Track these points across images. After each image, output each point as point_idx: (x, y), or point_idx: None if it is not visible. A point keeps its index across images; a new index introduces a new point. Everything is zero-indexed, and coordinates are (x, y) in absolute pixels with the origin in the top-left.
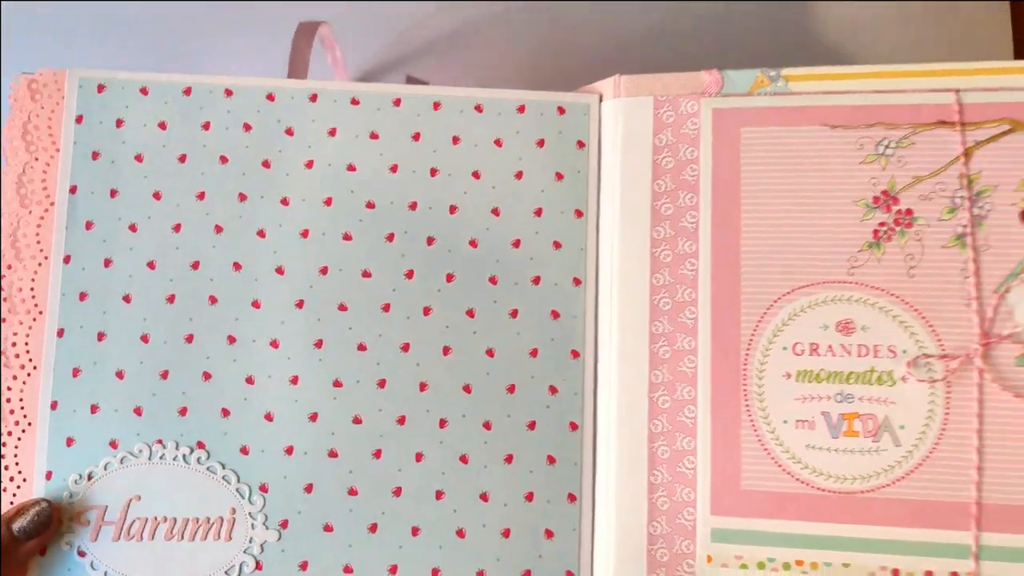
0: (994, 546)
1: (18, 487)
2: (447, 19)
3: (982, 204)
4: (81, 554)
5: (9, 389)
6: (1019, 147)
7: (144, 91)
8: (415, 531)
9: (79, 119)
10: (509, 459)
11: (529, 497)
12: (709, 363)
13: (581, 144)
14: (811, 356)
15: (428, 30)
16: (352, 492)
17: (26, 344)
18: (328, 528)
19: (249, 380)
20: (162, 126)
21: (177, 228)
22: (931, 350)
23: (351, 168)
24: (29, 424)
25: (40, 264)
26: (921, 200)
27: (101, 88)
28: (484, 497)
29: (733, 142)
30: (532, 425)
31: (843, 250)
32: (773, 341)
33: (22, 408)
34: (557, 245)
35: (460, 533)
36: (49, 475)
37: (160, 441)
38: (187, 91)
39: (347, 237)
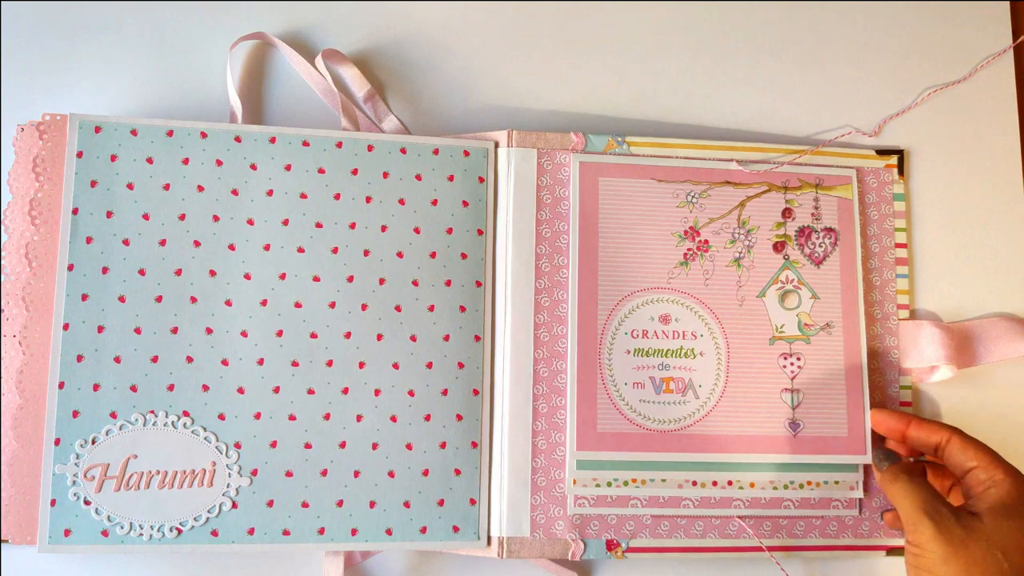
0: (752, 463)
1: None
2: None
3: (751, 238)
4: (87, 503)
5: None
6: (773, 202)
7: (134, 132)
8: (356, 474)
9: (80, 154)
10: (428, 418)
11: (443, 445)
12: (576, 344)
13: (481, 179)
14: (643, 339)
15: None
16: (307, 446)
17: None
18: (289, 474)
19: (224, 362)
20: (149, 160)
21: (163, 243)
22: (717, 334)
23: (303, 196)
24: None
25: (48, 271)
26: (713, 234)
27: (98, 129)
28: (409, 447)
29: (593, 187)
30: (445, 392)
31: (664, 266)
32: (619, 328)
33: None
34: (464, 256)
35: (391, 474)
36: (58, 441)
37: (152, 411)
38: (169, 133)
39: (301, 250)
